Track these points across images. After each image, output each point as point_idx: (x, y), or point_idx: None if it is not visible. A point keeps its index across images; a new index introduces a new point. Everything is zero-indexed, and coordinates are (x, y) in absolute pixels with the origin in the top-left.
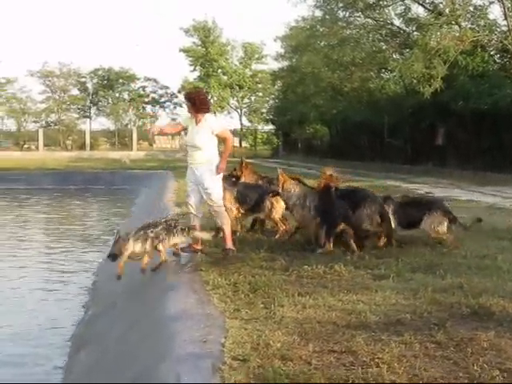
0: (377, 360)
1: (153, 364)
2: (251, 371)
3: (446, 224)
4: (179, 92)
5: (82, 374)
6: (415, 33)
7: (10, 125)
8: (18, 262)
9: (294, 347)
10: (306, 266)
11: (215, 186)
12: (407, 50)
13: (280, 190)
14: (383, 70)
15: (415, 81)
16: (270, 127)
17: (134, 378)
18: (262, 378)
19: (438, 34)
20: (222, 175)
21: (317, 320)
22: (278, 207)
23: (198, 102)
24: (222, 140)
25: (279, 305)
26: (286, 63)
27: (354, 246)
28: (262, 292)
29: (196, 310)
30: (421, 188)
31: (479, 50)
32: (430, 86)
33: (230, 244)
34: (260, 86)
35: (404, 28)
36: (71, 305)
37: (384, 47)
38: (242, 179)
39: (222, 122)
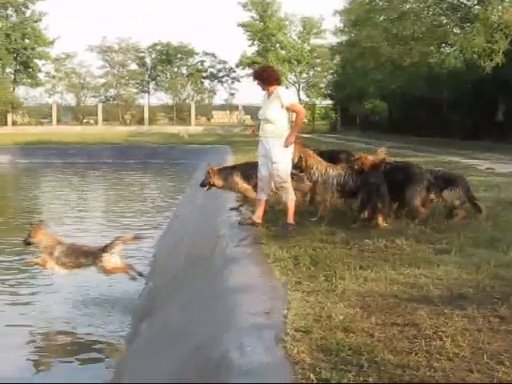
0: (440, 333)
1: (216, 334)
2: (314, 342)
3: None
4: (237, 66)
5: (144, 344)
6: (476, 7)
7: (70, 99)
8: (79, 232)
9: (356, 320)
10: (367, 240)
11: (283, 161)
12: (468, 24)
13: (304, 166)
14: (443, 45)
15: (476, 55)
16: (328, 102)
17: (197, 347)
18: (324, 350)
19: (500, 8)
20: (291, 150)
21: (379, 293)
22: None
23: (265, 76)
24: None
25: (340, 278)
26: (344, 37)
27: (379, 219)
28: (323, 265)
29: (258, 282)
30: (481, 164)
31: None
32: (491, 60)
33: (291, 219)
34: (318, 60)
35: (465, 2)
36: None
37: (444, 21)
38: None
39: (293, 96)
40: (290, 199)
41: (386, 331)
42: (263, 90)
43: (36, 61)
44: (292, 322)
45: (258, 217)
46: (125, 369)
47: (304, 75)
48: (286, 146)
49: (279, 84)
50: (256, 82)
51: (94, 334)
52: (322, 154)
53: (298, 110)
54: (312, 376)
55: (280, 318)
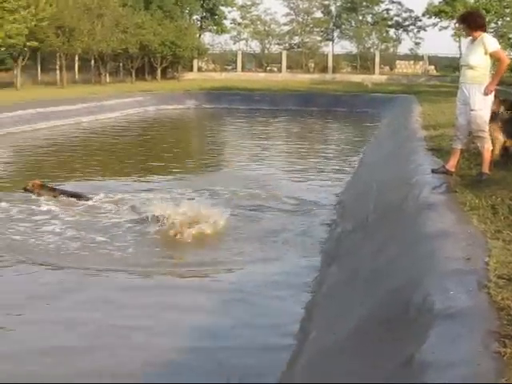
0: None
1: (416, 278)
2: None
3: None
4: (423, 15)
5: (334, 287)
6: None
7: (254, 46)
8: (266, 176)
9: None
10: None
11: (481, 108)
12: None
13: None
14: None
15: None
16: None
17: (394, 290)
18: None
19: None
20: (491, 98)
21: None
22: None
23: (472, 22)
24: (496, 61)
25: None
26: None
27: None
28: None
29: (455, 229)
30: None
31: None
32: None
33: (486, 169)
34: (508, 10)
35: None
36: (317, 221)
37: None
38: None
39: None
40: (486, 148)
41: None
42: (467, 35)
43: (222, 8)
44: (494, 270)
45: (451, 165)
46: (315, 310)
47: (492, 25)
48: (486, 94)
49: (485, 31)
50: (461, 26)
51: (280, 281)
52: None
53: (502, 57)
54: None
55: (481, 265)
